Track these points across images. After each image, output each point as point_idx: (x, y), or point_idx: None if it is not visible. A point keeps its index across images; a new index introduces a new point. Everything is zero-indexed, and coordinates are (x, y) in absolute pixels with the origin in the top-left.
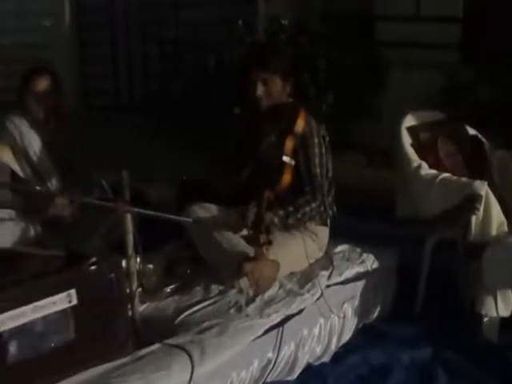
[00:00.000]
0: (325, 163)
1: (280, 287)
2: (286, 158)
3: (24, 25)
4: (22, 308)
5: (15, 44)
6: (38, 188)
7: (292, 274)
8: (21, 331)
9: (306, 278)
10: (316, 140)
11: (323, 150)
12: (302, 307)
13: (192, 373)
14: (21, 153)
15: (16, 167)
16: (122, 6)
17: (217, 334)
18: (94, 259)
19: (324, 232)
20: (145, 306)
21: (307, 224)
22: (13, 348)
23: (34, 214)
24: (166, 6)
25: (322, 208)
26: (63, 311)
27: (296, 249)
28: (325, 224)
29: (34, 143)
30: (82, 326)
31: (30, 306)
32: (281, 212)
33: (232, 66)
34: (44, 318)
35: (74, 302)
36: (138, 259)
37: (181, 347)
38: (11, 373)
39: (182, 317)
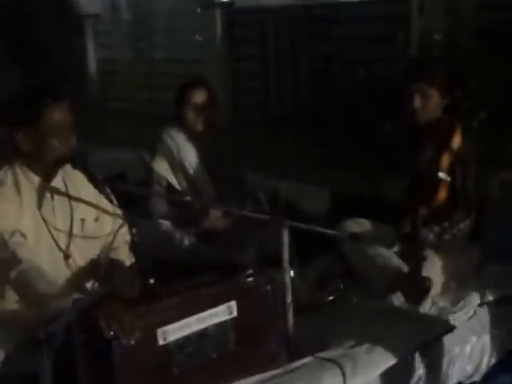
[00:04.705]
0: (479, 180)
1: (432, 304)
2: (442, 174)
3: (177, 40)
4: (187, 319)
5: (168, 59)
6: (192, 200)
7: (444, 291)
8: (185, 342)
9: (458, 295)
10: (472, 157)
11: (477, 167)
12: (454, 325)
13: None
14: (177, 165)
15: (172, 180)
16: (272, 20)
17: (369, 349)
18: (250, 271)
19: (477, 249)
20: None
21: (461, 241)
22: (177, 358)
23: (189, 226)
24: (316, 20)
25: (476, 225)
26: (224, 323)
27: (449, 265)
28: (478, 241)
29: (190, 156)
30: (240, 338)
31: (194, 317)
32: (436, 228)
33: (384, 82)
34: (206, 329)
35: (234, 313)
36: (292, 272)
37: (333, 361)
38: (176, 383)
39: (334, 331)
